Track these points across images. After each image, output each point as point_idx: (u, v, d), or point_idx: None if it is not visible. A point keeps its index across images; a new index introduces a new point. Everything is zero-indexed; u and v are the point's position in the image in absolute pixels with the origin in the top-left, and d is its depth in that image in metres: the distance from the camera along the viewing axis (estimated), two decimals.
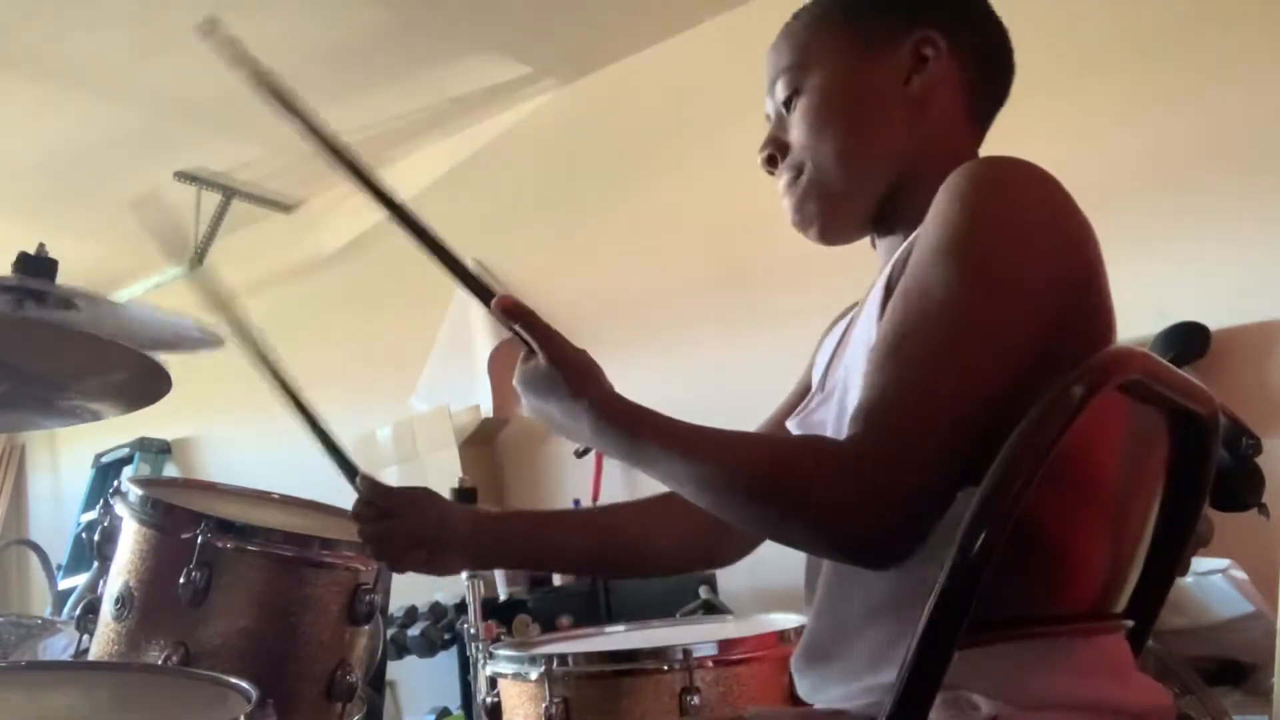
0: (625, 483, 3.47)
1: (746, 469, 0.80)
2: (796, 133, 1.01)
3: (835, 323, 1.13)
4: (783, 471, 0.78)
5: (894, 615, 0.85)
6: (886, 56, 0.99)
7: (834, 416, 0.94)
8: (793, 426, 1.02)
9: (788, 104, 1.02)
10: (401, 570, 1.11)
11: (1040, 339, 0.78)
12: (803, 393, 1.15)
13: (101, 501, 1.38)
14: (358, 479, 1.13)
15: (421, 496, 1.12)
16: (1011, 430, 0.74)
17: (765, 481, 0.78)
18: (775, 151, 1.03)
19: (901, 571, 0.83)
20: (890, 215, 1.00)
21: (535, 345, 0.92)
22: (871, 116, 0.99)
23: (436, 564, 1.11)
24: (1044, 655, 0.82)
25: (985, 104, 1.02)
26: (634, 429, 0.86)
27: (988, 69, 1.02)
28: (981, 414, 0.75)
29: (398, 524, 1.09)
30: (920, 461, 0.74)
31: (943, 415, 0.75)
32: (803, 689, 0.96)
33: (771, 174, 1.05)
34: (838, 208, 1.01)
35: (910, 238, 0.90)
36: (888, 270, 0.91)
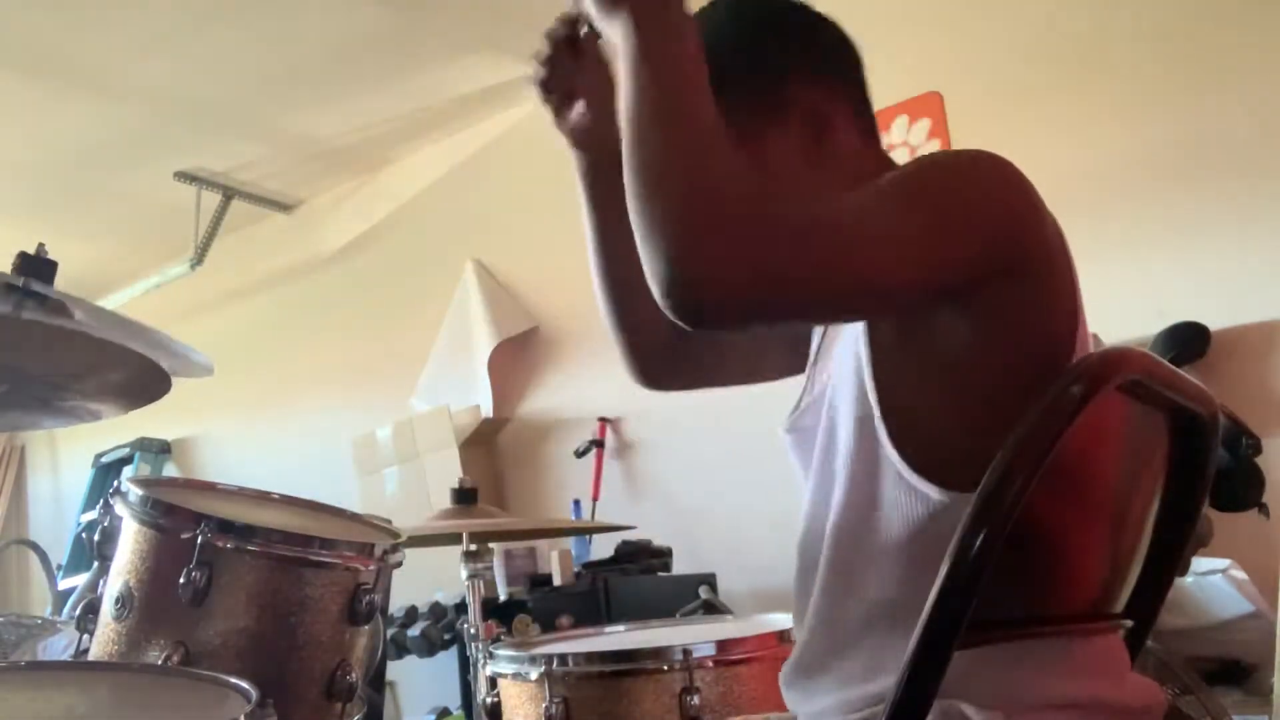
0: (625, 483, 3.47)
1: (675, 160, 0.77)
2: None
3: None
4: (693, 187, 0.76)
5: (890, 625, 0.84)
6: (783, 135, 0.97)
7: (823, 428, 0.94)
8: (783, 429, 1.02)
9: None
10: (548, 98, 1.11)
11: (943, 277, 0.80)
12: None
13: (101, 501, 1.38)
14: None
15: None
16: (1009, 431, 0.74)
17: (674, 177, 0.77)
18: None
19: (900, 582, 0.83)
20: None
21: None
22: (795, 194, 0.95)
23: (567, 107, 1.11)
24: (1036, 658, 0.82)
25: (866, 108, 1.00)
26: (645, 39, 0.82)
27: (848, 74, 1.00)
28: (853, 284, 0.78)
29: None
30: (783, 271, 0.75)
31: (832, 260, 0.77)
32: (790, 700, 0.95)
33: None
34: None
35: None
36: None
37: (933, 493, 0.82)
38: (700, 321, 0.75)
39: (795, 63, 0.97)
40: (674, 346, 1.15)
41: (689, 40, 0.83)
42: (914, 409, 0.85)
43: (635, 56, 0.82)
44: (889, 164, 0.99)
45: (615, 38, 0.85)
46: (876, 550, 0.86)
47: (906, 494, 0.84)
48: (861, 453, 0.88)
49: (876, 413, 0.86)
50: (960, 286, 0.81)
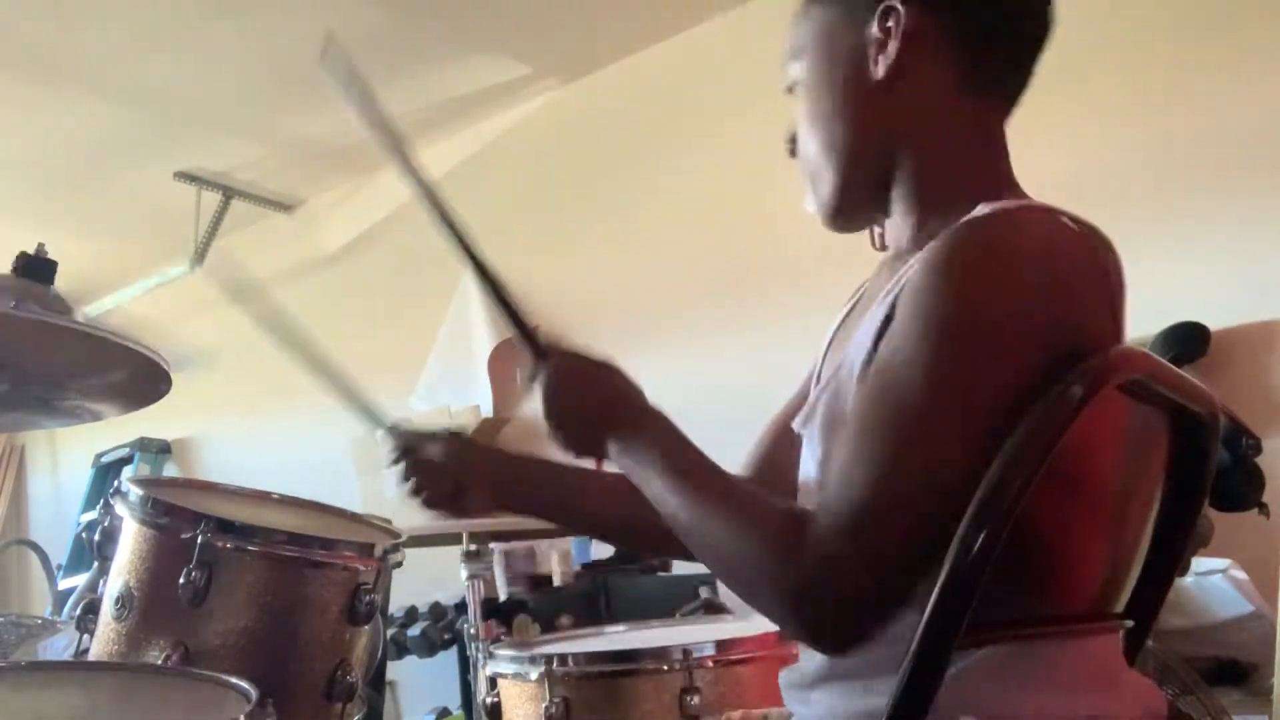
0: None
1: (724, 543, 0.82)
2: (799, 126, 1.01)
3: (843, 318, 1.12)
4: (753, 555, 0.78)
5: (890, 638, 0.84)
6: (854, 37, 0.94)
7: (829, 419, 0.93)
8: (797, 426, 1.01)
9: (791, 88, 1.01)
10: (433, 508, 1.18)
11: (1012, 414, 0.76)
12: (806, 394, 1.14)
13: (101, 501, 1.38)
14: (388, 429, 1.23)
15: (446, 438, 1.21)
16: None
17: (737, 561, 0.80)
18: (790, 144, 1.03)
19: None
20: (891, 198, 0.97)
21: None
22: (845, 103, 0.96)
23: (461, 501, 1.18)
24: (1031, 670, 0.81)
25: (982, 72, 0.94)
26: (636, 433, 0.91)
27: (976, 32, 0.94)
28: (947, 505, 0.74)
29: (421, 461, 1.18)
30: (883, 563, 0.74)
31: (908, 516, 0.74)
32: (789, 702, 0.95)
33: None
34: (834, 199, 0.99)
35: (909, 264, 0.87)
36: (890, 293, 0.88)
37: None
38: (850, 646, 0.76)
39: None
40: None
41: (669, 434, 0.91)
42: None
43: (645, 474, 0.90)
44: (976, 130, 0.95)
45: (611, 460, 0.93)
46: None
47: None
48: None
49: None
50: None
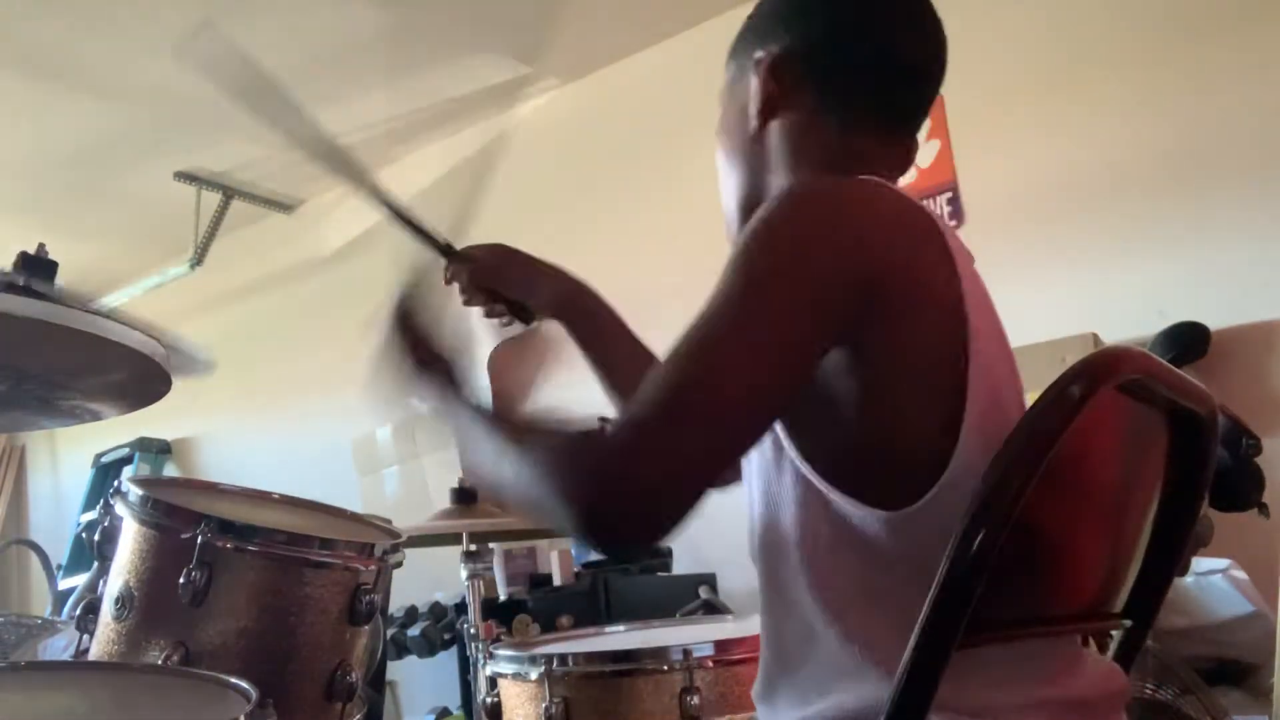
0: None
1: (526, 460, 0.82)
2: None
3: None
4: (552, 456, 0.79)
5: (827, 637, 0.84)
6: (742, 94, 1.01)
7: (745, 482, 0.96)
8: None
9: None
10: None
11: (820, 338, 0.79)
12: None
13: (101, 501, 1.38)
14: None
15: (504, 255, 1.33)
16: (930, 455, 0.75)
17: (540, 465, 0.80)
18: None
19: (827, 593, 0.84)
20: None
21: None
22: (734, 154, 1.03)
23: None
24: (996, 661, 0.81)
25: (844, 96, 0.98)
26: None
27: (833, 63, 0.98)
28: (736, 409, 0.76)
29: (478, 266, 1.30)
30: (669, 456, 0.74)
31: (696, 413, 0.75)
32: (762, 714, 0.95)
33: None
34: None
35: None
36: None
37: (848, 506, 0.82)
38: (637, 544, 0.78)
39: (772, 35, 1.03)
40: None
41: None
42: (816, 430, 0.85)
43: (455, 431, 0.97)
44: (856, 161, 0.98)
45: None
46: (796, 565, 0.87)
47: (814, 511, 0.85)
48: (773, 467, 0.89)
49: (780, 430, 0.87)
50: (835, 343, 0.81)
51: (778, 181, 0.98)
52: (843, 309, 0.79)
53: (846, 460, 0.84)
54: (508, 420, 0.92)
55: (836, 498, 0.83)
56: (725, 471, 0.80)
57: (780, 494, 0.88)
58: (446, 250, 1.27)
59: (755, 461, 0.93)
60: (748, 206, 1.01)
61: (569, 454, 0.77)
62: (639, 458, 0.74)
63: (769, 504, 0.90)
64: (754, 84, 0.99)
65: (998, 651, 0.81)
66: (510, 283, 1.32)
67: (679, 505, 0.74)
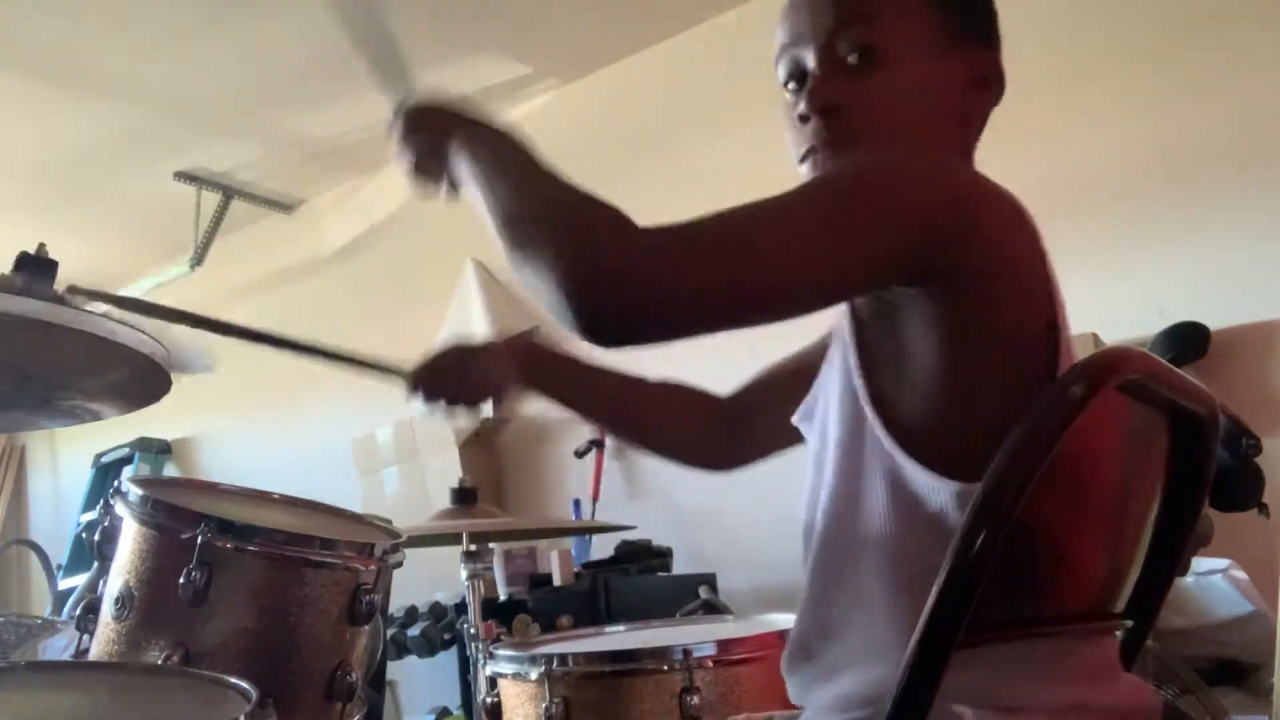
0: (625, 483, 3.47)
1: (550, 211, 0.80)
2: (870, 102, 0.92)
3: None
4: (568, 211, 0.78)
5: (878, 611, 0.85)
6: (959, 63, 0.95)
7: (820, 413, 0.96)
8: (795, 420, 1.03)
9: (860, 57, 0.92)
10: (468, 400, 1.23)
11: (881, 265, 0.79)
12: (808, 354, 1.15)
13: (101, 501, 1.37)
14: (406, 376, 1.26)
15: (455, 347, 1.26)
16: (986, 422, 0.74)
17: (559, 223, 0.78)
18: (833, 108, 0.93)
19: (889, 564, 0.84)
20: None
21: None
22: (934, 117, 0.95)
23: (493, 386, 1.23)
24: (1030, 662, 0.82)
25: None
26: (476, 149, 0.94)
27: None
28: (774, 277, 0.76)
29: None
30: (692, 279, 0.74)
31: (733, 259, 0.75)
32: (792, 691, 0.96)
33: (803, 124, 0.94)
34: None
35: None
36: None
37: (921, 477, 0.83)
38: (608, 337, 0.75)
39: (995, 42, 1.02)
40: (726, 435, 1.22)
41: (510, 139, 0.91)
42: (896, 399, 0.86)
43: (479, 170, 0.91)
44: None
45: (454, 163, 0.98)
46: (864, 534, 0.87)
47: (893, 481, 0.85)
48: (851, 437, 0.89)
49: (863, 393, 0.87)
50: (885, 281, 0.81)
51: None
52: (913, 243, 0.78)
53: (926, 429, 0.84)
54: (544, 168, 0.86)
55: (910, 466, 0.83)
56: (731, 320, 0.78)
57: (859, 464, 0.88)
58: (400, 374, 1.27)
59: (835, 438, 0.92)
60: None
61: (596, 223, 0.76)
62: (660, 265, 0.74)
63: (851, 478, 0.89)
64: (970, 70, 0.97)
65: (1034, 650, 0.81)
66: (467, 381, 1.26)
67: (675, 321, 0.75)
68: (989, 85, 0.98)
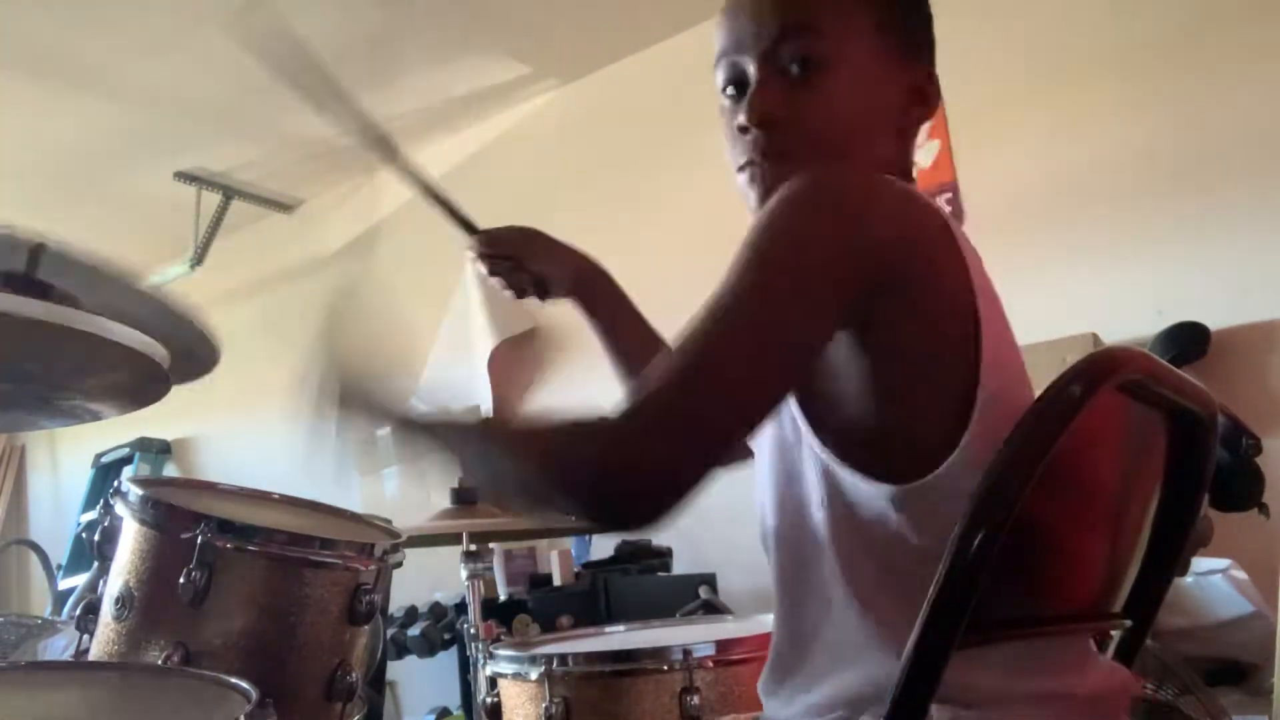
0: None
1: (521, 465, 0.82)
2: (810, 114, 0.92)
3: None
4: (559, 442, 0.79)
5: (840, 611, 0.86)
6: (898, 77, 0.95)
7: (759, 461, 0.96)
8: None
9: (802, 67, 0.91)
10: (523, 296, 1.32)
11: (828, 330, 0.79)
12: None
13: (101, 501, 1.38)
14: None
15: (528, 234, 1.36)
16: (937, 432, 0.76)
17: (549, 459, 0.79)
18: (771, 121, 0.92)
19: (842, 568, 0.85)
20: None
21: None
22: (873, 131, 0.95)
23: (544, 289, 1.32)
24: (999, 656, 0.82)
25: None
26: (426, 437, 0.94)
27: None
28: (751, 390, 0.77)
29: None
30: (680, 434, 0.75)
31: (705, 395, 0.76)
32: (769, 709, 0.95)
33: (742, 135, 0.94)
34: None
35: None
36: None
37: (855, 481, 0.84)
38: (654, 514, 0.76)
39: (930, 57, 1.00)
40: None
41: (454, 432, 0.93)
42: (826, 406, 0.86)
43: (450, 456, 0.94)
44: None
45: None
46: (815, 546, 0.88)
47: (829, 486, 0.86)
48: (790, 447, 0.90)
49: (795, 408, 0.88)
50: (842, 328, 0.81)
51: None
52: (849, 296, 0.79)
53: (856, 438, 0.85)
54: (498, 422, 0.92)
55: (845, 474, 0.84)
56: (732, 451, 0.81)
57: (801, 472, 0.89)
58: (472, 228, 1.34)
59: (771, 442, 0.94)
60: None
61: (573, 439, 0.78)
62: (648, 435, 0.74)
63: (790, 482, 0.91)
64: (908, 84, 0.96)
65: (1011, 644, 0.81)
66: (533, 256, 1.33)
67: (687, 482, 0.75)
68: (926, 99, 0.97)
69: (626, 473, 0.75)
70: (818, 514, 0.87)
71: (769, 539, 0.95)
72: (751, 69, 0.94)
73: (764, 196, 0.93)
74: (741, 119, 0.93)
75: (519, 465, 0.82)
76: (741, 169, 0.95)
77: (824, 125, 0.92)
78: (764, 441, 0.96)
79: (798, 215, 0.80)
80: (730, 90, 0.97)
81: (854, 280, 0.79)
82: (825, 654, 0.87)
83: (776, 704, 0.94)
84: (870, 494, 0.83)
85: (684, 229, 3.46)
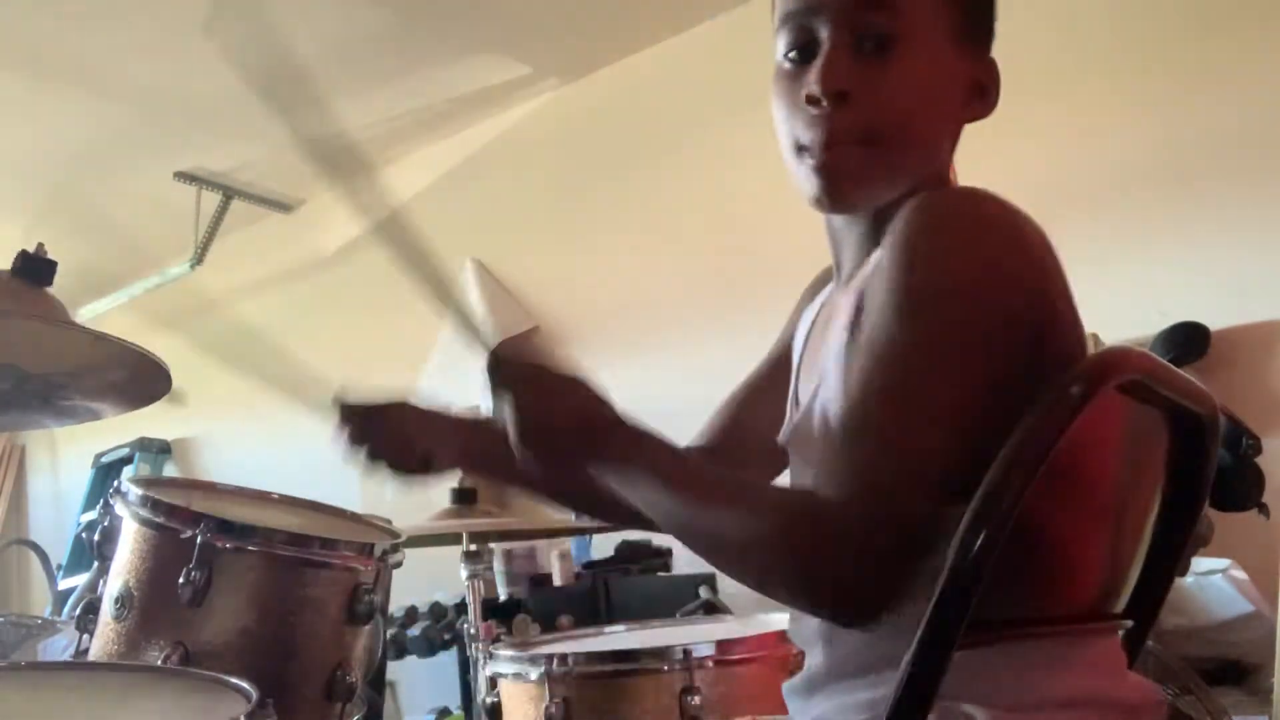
0: None
1: (733, 533, 0.78)
2: (881, 94, 0.87)
3: (813, 294, 1.11)
4: (765, 537, 0.76)
5: (885, 632, 0.85)
6: (966, 68, 0.93)
7: (818, 434, 0.93)
8: (781, 440, 1.02)
9: (878, 43, 0.87)
10: (401, 474, 1.12)
11: (1001, 380, 0.77)
12: (774, 362, 1.15)
13: (101, 501, 1.38)
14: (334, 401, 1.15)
15: (397, 407, 1.16)
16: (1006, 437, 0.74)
17: (750, 548, 0.77)
18: (844, 94, 0.87)
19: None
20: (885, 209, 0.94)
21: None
22: (937, 121, 0.92)
23: (428, 466, 1.13)
24: (1036, 658, 0.82)
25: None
26: (625, 457, 0.85)
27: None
28: (951, 465, 0.75)
29: (378, 437, 1.12)
30: (895, 531, 0.73)
31: (912, 486, 0.74)
32: (793, 709, 0.95)
33: (815, 110, 0.88)
34: (875, 183, 0.90)
35: (878, 254, 0.86)
36: (857, 288, 0.89)
37: None
38: (874, 612, 0.73)
39: (993, 31, 0.99)
40: None
41: (655, 448, 0.84)
42: None
43: (636, 488, 0.84)
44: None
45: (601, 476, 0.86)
46: None
47: None
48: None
49: None
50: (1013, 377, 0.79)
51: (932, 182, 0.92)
52: (1018, 350, 0.78)
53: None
54: (689, 478, 0.83)
55: None
56: (918, 540, 0.76)
57: None
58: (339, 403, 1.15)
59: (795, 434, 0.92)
60: (916, 170, 0.92)
61: (789, 530, 0.74)
62: (877, 528, 0.72)
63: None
64: (973, 73, 0.94)
65: (1040, 647, 0.82)
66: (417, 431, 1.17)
67: (907, 567, 0.73)
68: (986, 96, 0.96)
69: (861, 564, 0.72)
70: None
71: None
72: (825, 33, 0.88)
73: (828, 189, 0.89)
74: (814, 88, 0.87)
75: (750, 524, 0.77)
76: (801, 150, 0.90)
77: (893, 111, 0.88)
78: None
79: (947, 257, 0.78)
80: (793, 55, 0.90)
81: (1019, 319, 0.78)
82: (863, 663, 0.86)
83: (799, 705, 0.94)
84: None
85: (684, 229, 3.46)
